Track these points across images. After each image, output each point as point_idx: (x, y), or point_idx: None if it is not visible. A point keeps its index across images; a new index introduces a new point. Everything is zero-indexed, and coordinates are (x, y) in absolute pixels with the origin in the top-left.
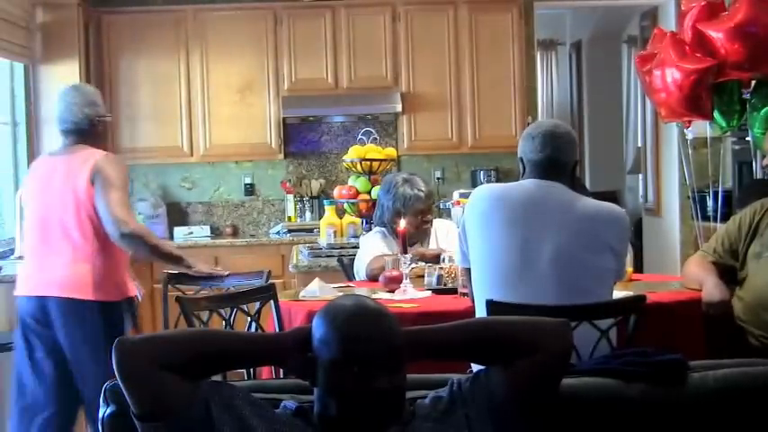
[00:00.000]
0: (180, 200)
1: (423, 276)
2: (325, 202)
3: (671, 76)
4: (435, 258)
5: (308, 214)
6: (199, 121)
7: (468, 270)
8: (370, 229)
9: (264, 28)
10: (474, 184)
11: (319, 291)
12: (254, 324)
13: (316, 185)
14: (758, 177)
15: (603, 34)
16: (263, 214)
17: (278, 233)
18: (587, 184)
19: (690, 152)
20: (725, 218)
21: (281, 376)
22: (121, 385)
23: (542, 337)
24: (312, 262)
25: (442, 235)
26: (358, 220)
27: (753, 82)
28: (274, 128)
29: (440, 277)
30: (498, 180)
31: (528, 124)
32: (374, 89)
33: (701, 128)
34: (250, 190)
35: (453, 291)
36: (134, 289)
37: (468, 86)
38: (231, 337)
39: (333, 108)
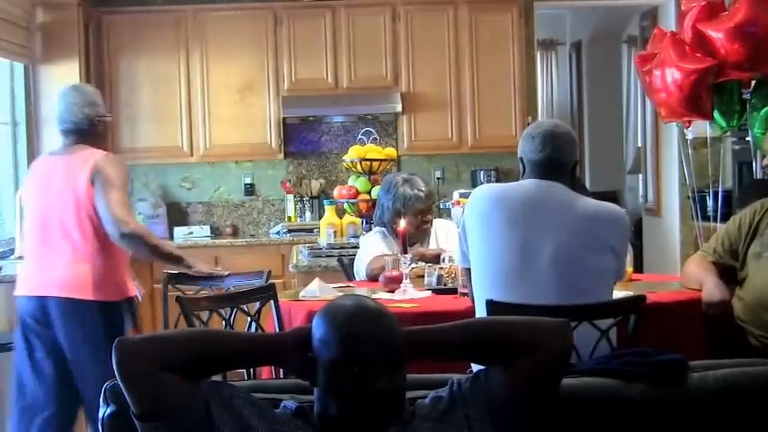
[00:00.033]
0: (180, 200)
1: (423, 276)
2: (325, 202)
3: (671, 76)
4: (435, 258)
5: (307, 214)
6: (199, 121)
7: (468, 270)
8: (370, 229)
9: (264, 28)
10: (474, 184)
11: (319, 291)
12: (254, 324)
13: (316, 185)
14: (758, 177)
15: (603, 34)
16: (263, 214)
17: (278, 233)
18: (587, 184)
19: (690, 152)
20: (725, 218)
21: (281, 376)
22: (121, 385)
23: (542, 337)
24: (312, 262)
25: (442, 235)
26: (358, 220)
27: (753, 82)
28: (274, 128)
29: (440, 277)
30: (498, 180)
31: (528, 124)
32: (374, 89)
33: (701, 128)
34: (250, 190)
35: (453, 291)
36: (134, 289)
37: (468, 86)
38: (231, 337)
39: (333, 108)
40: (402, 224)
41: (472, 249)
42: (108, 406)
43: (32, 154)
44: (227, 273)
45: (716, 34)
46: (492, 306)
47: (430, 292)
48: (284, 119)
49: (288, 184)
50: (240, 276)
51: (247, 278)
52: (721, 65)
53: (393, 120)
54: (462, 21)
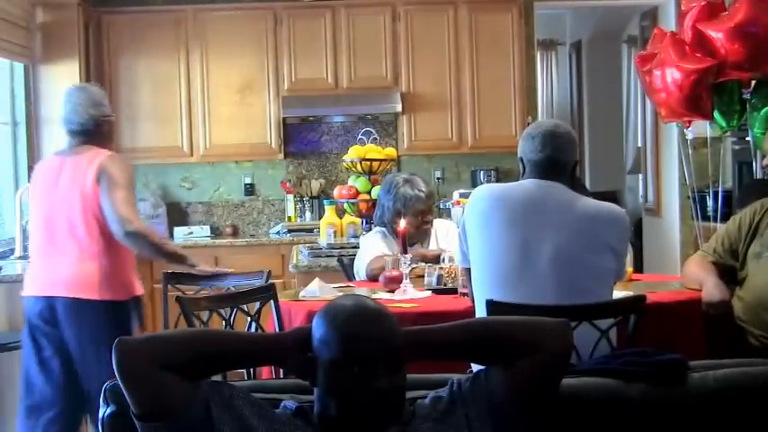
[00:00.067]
0: (180, 200)
1: (423, 276)
2: (325, 202)
3: (671, 76)
4: (436, 259)
5: (307, 214)
6: (199, 121)
7: (468, 270)
8: (370, 229)
9: (264, 28)
10: (474, 184)
11: (319, 291)
12: (254, 324)
13: (316, 185)
14: (758, 177)
15: (603, 34)
16: (263, 214)
17: (278, 233)
18: (587, 184)
19: (690, 152)
20: (725, 218)
21: (281, 376)
22: (121, 385)
23: (542, 337)
24: (312, 262)
25: (442, 235)
26: (358, 220)
27: (753, 82)
28: (274, 128)
29: (440, 277)
30: (498, 180)
31: (528, 124)
32: (374, 89)
33: (701, 128)
34: (250, 190)
35: (453, 291)
36: (140, 288)
37: (468, 86)
38: (231, 337)
39: (333, 108)
40: (402, 224)
41: (472, 249)
42: (108, 406)
43: (32, 154)
44: (230, 270)
45: (716, 34)
46: (492, 306)
47: (430, 292)
48: (284, 119)
49: (288, 184)
50: (240, 276)
51: (247, 278)
52: (721, 65)
53: (393, 120)
54: (462, 21)
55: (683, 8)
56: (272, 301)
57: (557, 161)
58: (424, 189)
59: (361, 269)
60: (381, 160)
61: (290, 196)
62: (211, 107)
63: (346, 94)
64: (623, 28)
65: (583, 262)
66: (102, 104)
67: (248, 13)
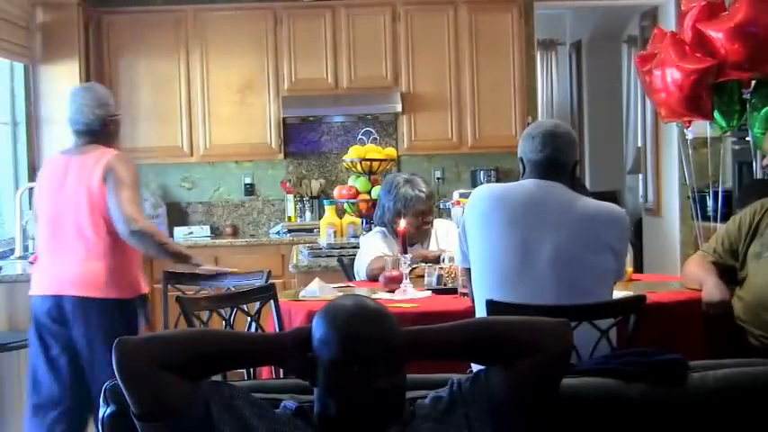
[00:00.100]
0: (180, 200)
1: (423, 276)
2: (325, 202)
3: (671, 76)
4: (437, 260)
5: (307, 214)
6: (199, 121)
7: (468, 270)
8: (370, 229)
9: (264, 28)
10: (474, 184)
11: (319, 291)
12: (254, 324)
13: (316, 185)
14: (758, 177)
15: (603, 34)
16: (263, 214)
17: (278, 233)
18: (587, 184)
19: (690, 152)
20: (725, 218)
21: (281, 376)
22: (121, 385)
23: (542, 337)
24: (312, 262)
25: (443, 235)
26: (358, 220)
27: (753, 82)
28: (274, 128)
29: (440, 277)
30: (498, 180)
31: (528, 124)
32: (374, 89)
33: (701, 128)
34: (250, 190)
35: (453, 291)
36: (146, 286)
37: (468, 86)
38: (231, 337)
39: (333, 108)
40: (402, 224)
41: (472, 249)
42: (108, 406)
43: (32, 154)
44: (234, 270)
45: (716, 34)
46: (492, 306)
47: (430, 292)
48: (284, 119)
49: (288, 184)
50: (240, 276)
51: (247, 278)
52: (721, 65)
53: (393, 120)
54: (462, 21)
55: (683, 8)
56: (272, 301)
57: (557, 161)
58: (424, 189)
59: (361, 269)
60: (381, 160)
61: (290, 196)
62: (211, 107)
63: (346, 94)
64: (623, 28)
65: (583, 262)
66: (108, 104)
67: (248, 13)
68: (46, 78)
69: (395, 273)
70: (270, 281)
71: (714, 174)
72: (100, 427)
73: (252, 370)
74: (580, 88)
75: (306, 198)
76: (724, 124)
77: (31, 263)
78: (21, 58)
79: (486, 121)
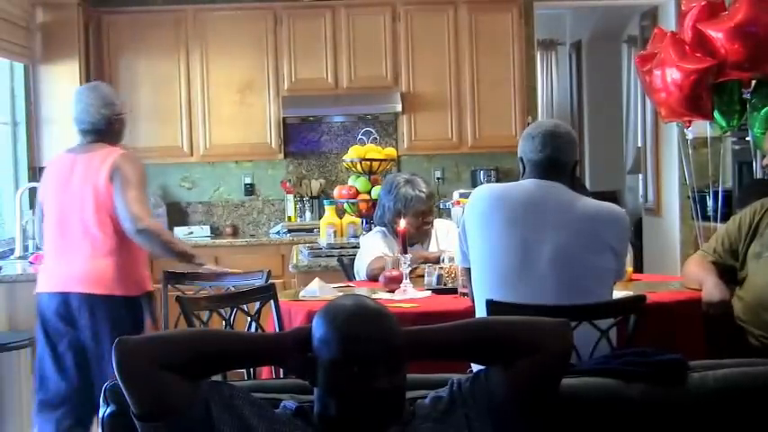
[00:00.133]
0: (180, 200)
1: (423, 276)
2: (325, 202)
3: (671, 75)
4: (437, 260)
5: (307, 214)
6: (199, 121)
7: (468, 270)
8: (370, 229)
9: (264, 28)
10: (474, 184)
11: (319, 291)
12: (254, 324)
13: (316, 185)
14: (758, 177)
15: (603, 34)
16: (263, 214)
17: (278, 233)
18: (587, 184)
19: (690, 152)
20: (725, 218)
21: (281, 376)
22: (121, 385)
23: (542, 337)
24: (312, 262)
25: (443, 235)
26: (358, 220)
27: (753, 82)
28: (274, 128)
29: (440, 277)
30: (498, 180)
31: (528, 124)
32: (374, 89)
33: (701, 128)
34: (250, 190)
35: (453, 291)
36: (152, 283)
37: (468, 86)
38: (231, 337)
39: (333, 108)
40: (402, 224)
41: (472, 249)
42: (108, 406)
43: (32, 154)
44: (235, 270)
45: (716, 34)
46: (492, 306)
47: (430, 292)
48: (284, 119)
49: (288, 184)
50: (240, 276)
51: (247, 278)
52: (721, 65)
53: (393, 120)
54: (462, 21)
55: (683, 8)
56: (272, 301)
57: (557, 161)
58: (424, 189)
59: (361, 269)
60: (381, 160)
61: (290, 196)
62: (211, 107)
63: (346, 94)
64: (623, 28)
65: (583, 262)
66: (113, 103)
67: (248, 13)
68: (46, 78)
69: (395, 273)
70: (270, 281)
71: (714, 174)
72: (100, 427)
73: (252, 370)
74: (580, 88)
75: (306, 198)
76: (724, 124)
77: (32, 263)
78: (21, 58)
79: (486, 121)
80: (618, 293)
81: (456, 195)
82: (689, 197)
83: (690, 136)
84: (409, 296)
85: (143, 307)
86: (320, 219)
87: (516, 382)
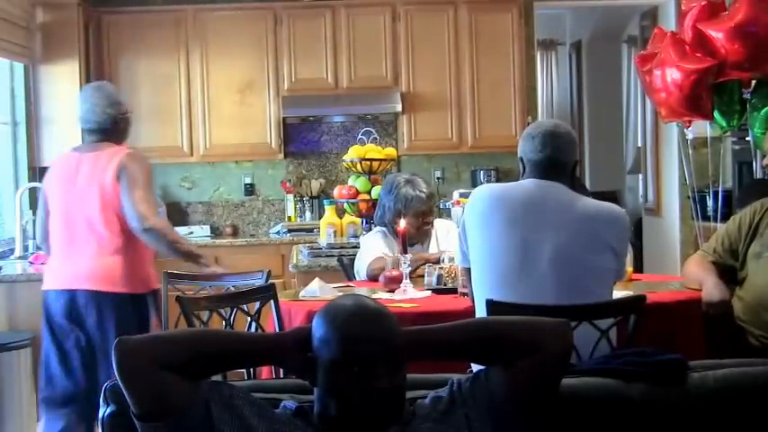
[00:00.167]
0: (180, 200)
1: (423, 276)
2: (325, 201)
3: (671, 75)
4: (437, 261)
5: (307, 214)
6: (199, 121)
7: (468, 270)
8: (370, 229)
9: (264, 28)
10: (474, 184)
11: (319, 291)
12: (254, 324)
13: (316, 185)
14: (758, 177)
15: (603, 34)
16: (263, 214)
17: (278, 233)
18: (587, 184)
19: (690, 152)
20: (725, 218)
21: (281, 376)
22: (121, 385)
23: (542, 337)
24: (312, 262)
25: (443, 235)
26: (358, 220)
27: (753, 82)
28: (274, 128)
29: (440, 277)
30: (498, 180)
31: (528, 124)
32: (374, 89)
33: (701, 128)
34: (250, 190)
35: (453, 291)
36: (157, 281)
37: (468, 86)
38: (231, 337)
39: (333, 108)
40: (402, 224)
41: (472, 249)
42: (108, 406)
43: (32, 154)
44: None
45: (716, 34)
46: (492, 306)
47: (430, 292)
48: (284, 119)
49: (288, 183)
50: (240, 276)
51: (247, 278)
52: (721, 65)
53: (393, 120)
54: (462, 21)
55: (683, 8)
56: (272, 301)
57: (557, 161)
58: (425, 190)
59: (361, 269)
60: (381, 160)
61: (290, 196)
62: (211, 107)
63: (346, 94)
64: (623, 28)
65: (583, 262)
66: (119, 102)
67: (248, 13)
68: (46, 78)
69: (395, 273)
70: (270, 281)
71: (714, 174)
72: (100, 427)
73: (252, 370)
74: (580, 88)
75: (306, 198)
76: (724, 124)
77: (32, 263)
78: (21, 58)
79: (486, 121)
80: (618, 293)
81: (456, 195)
82: (689, 197)
83: (690, 136)
84: (409, 296)
85: (149, 305)
86: (320, 219)
87: (516, 382)
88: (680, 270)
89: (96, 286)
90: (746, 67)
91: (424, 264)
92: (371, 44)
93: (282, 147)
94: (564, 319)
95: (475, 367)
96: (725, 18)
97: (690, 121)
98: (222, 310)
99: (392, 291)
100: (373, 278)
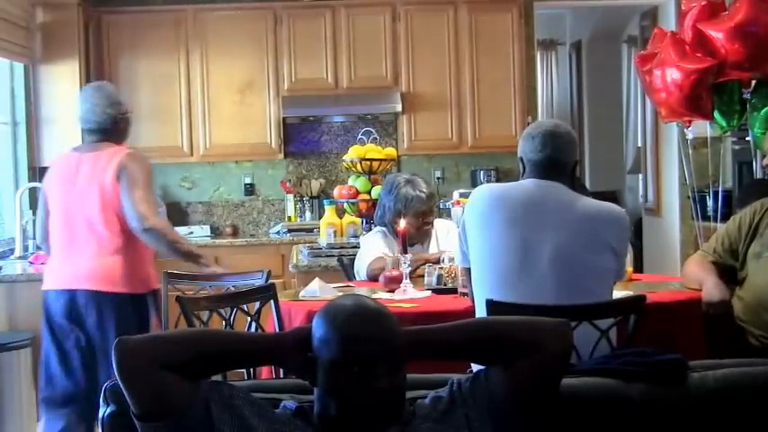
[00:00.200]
0: (180, 200)
1: (423, 276)
2: (325, 201)
3: (671, 75)
4: (437, 261)
5: (307, 214)
6: (199, 121)
7: (468, 270)
8: (370, 229)
9: (264, 28)
10: (474, 184)
11: (319, 291)
12: (254, 324)
13: (316, 185)
14: (758, 177)
15: (603, 34)
16: (263, 214)
17: (278, 233)
18: (587, 184)
19: (690, 152)
20: (725, 218)
21: (281, 376)
22: (121, 385)
23: (542, 337)
24: (312, 262)
25: (443, 235)
26: (358, 220)
27: (753, 82)
28: (274, 128)
29: (440, 277)
30: (498, 180)
31: (528, 124)
32: (374, 89)
33: (701, 128)
34: (250, 190)
35: (453, 291)
36: (157, 281)
37: (468, 86)
38: (231, 337)
39: (333, 108)
40: (402, 224)
41: (472, 249)
42: (108, 406)
43: (32, 154)
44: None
45: (716, 34)
46: (492, 306)
47: (430, 292)
48: (284, 119)
49: (288, 183)
50: (240, 276)
51: (247, 278)
52: (721, 65)
53: (393, 120)
54: (462, 21)
55: (683, 8)
56: (272, 301)
57: (557, 161)
58: (425, 190)
59: (361, 269)
60: (381, 160)
61: (290, 196)
62: (211, 107)
63: (346, 94)
64: (623, 28)
65: (583, 262)
66: (119, 102)
67: (248, 13)
68: (46, 78)
69: (395, 273)
70: (270, 281)
71: (714, 174)
72: (100, 427)
73: (252, 370)
74: (580, 88)
75: (306, 198)
76: (724, 124)
77: (32, 263)
78: (21, 58)
79: (486, 121)
80: (618, 293)
81: (456, 195)
82: (689, 197)
83: (690, 136)
84: (409, 296)
85: (149, 305)
86: (320, 219)
87: (516, 382)
88: (680, 270)
89: (96, 286)
90: (746, 67)
91: (424, 264)
92: (371, 44)
93: (282, 147)
94: (564, 319)
95: (475, 367)
96: (725, 18)
97: (690, 121)
98: (222, 310)
99: (392, 291)
100: (373, 278)
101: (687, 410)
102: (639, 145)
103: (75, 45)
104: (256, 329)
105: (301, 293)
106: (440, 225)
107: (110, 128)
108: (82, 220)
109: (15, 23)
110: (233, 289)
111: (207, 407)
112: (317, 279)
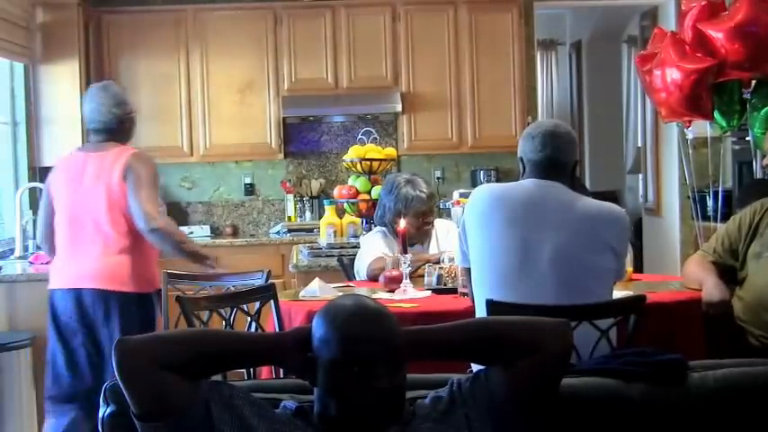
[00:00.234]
0: (180, 200)
1: (423, 276)
2: (325, 201)
3: (671, 75)
4: (437, 261)
5: (307, 214)
6: (199, 121)
7: (468, 270)
8: (370, 229)
9: (264, 28)
10: (474, 184)
11: (319, 291)
12: (254, 324)
13: (316, 185)
14: (758, 177)
15: (603, 34)
16: (263, 214)
17: (278, 233)
18: (587, 184)
19: (690, 152)
20: (725, 218)
21: (281, 376)
22: (121, 385)
23: (542, 337)
24: (312, 262)
25: (443, 235)
26: (358, 220)
27: (753, 82)
28: (274, 128)
29: (440, 277)
30: (498, 180)
31: (528, 124)
32: (374, 89)
33: (701, 128)
34: (250, 190)
35: (453, 291)
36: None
37: (468, 86)
38: (231, 337)
39: (333, 108)
40: (402, 224)
41: (472, 249)
42: (108, 406)
43: (32, 154)
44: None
45: (716, 34)
46: (492, 306)
47: (430, 292)
48: (284, 119)
49: (288, 183)
50: (240, 276)
51: (247, 278)
52: (721, 65)
53: (393, 120)
54: (462, 21)
55: (683, 8)
56: (272, 301)
57: (557, 161)
58: (425, 190)
59: (361, 269)
60: (381, 160)
61: (290, 196)
62: (211, 107)
63: (346, 94)
64: (623, 28)
65: (583, 262)
66: (124, 102)
67: (248, 13)
68: (46, 78)
69: (395, 273)
70: (270, 281)
71: (714, 174)
72: (100, 427)
73: (252, 370)
74: (580, 88)
75: (306, 198)
76: (724, 124)
77: (32, 263)
78: (21, 58)
79: (486, 121)
80: (618, 293)
81: (456, 195)
82: (689, 197)
83: (690, 136)
84: (409, 296)
85: (154, 304)
86: (320, 219)
87: (516, 382)
88: (680, 270)
89: (103, 285)
90: (746, 67)
91: (425, 264)
92: (371, 44)
93: (282, 147)
94: (564, 319)
95: (475, 367)
96: (725, 18)
97: (690, 121)
98: (222, 310)
99: (392, 291)
100: (373, 278)
101: (687, 410)
102: (639, 145)
103: (75, 45)
104: (256, 329)
105: (301, 293)
106: (440, 225)
107: (115, 127)
108: (88, 219)
109: (15, 23)
110: (233, 289)
111: (207, 407)
112: (317, 279)
